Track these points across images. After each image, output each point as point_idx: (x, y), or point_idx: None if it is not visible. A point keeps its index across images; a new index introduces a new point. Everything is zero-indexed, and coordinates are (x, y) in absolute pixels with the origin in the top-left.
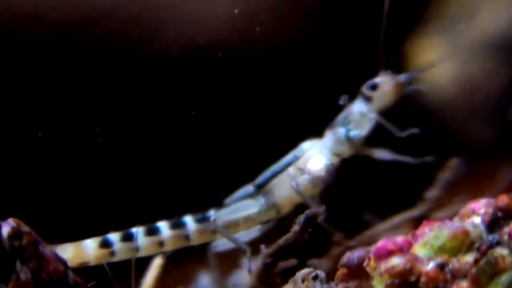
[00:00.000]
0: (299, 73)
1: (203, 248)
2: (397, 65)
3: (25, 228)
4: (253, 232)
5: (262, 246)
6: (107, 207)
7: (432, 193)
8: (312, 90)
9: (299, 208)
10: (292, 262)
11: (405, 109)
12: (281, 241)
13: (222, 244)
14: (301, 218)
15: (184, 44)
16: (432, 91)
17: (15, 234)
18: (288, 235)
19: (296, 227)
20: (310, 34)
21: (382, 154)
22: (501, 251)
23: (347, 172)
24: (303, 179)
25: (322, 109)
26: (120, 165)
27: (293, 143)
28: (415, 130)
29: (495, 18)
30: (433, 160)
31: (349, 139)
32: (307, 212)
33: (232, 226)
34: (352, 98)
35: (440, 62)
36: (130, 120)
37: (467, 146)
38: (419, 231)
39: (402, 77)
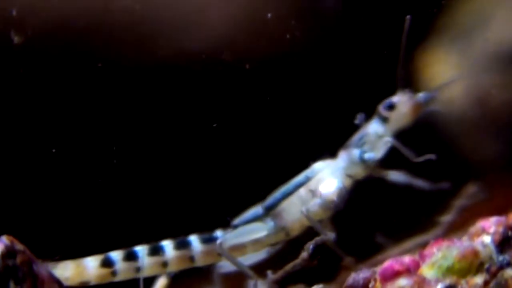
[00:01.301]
0: (313, 89)
1: (208, 268)
2: (407, 79)
3: (19, 246)
4: (261, 254)
5: (269, 272)
6: (110, 223)
7: (447, 218)
8: (327, 107)
9: (309, 230)
10: None
11: (417, 127)
12: (289, 267)
13: (228, 265)
14: (310, 246)
15: (192, 59)
16: (444, 108)
17: (9, 252)
18: (296, 262)
19: (305, 254)
20: (324, 47)
21: (396, 177)
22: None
23: (360, 194)
24: (314, 204)
25: (336, 128)
26: (125, 180)
27: (305, 163)
28: (431, 156)
29: (509, 27)
30: (449, 187)
31: (363, 161)
32: (317, 239)
33: (239, 248)
34: (368, 116)
35: (457, 79)
36: (135, 133)
37: (481, 166)
38: (427, 251)
39: (421, 97)
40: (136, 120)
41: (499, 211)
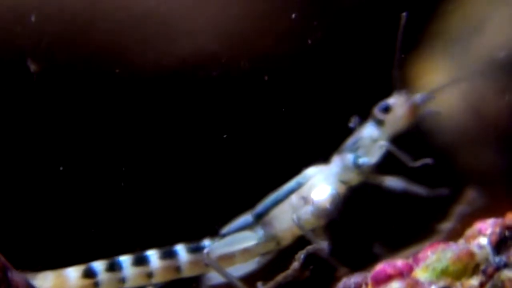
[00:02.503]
0: (305, 91)
1: (196, 280)
2: (403, 80)
3: None
4: (251, 264)
5: (259, 284)
6: (92, 232)
7: (446, 226)
8: (319, 110)
9: (301, 239)
10: None
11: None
12: (280, 278)
13: (216, 276)
14: (301, 255)
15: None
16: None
17: None
18: (288, 273)
19: (296, 264)
20: (315, 50)
21: (393, 183)
22: (509, 273)
23: (355, 201)
24: (306, 212)
25: (329, 132)
26: (108, 187)
27: (297, 169)
28: (428, 161)
29: (504, 32)
30: (448, 192)
31: (357, 167)
32: (308, 248)
33: (227, 258)
34: (363, 119)
35: (456, 81)
36: (122, 142)
37: (477, 174)
38: (421, 254)
39: (417, 98)
40: (120, 129)
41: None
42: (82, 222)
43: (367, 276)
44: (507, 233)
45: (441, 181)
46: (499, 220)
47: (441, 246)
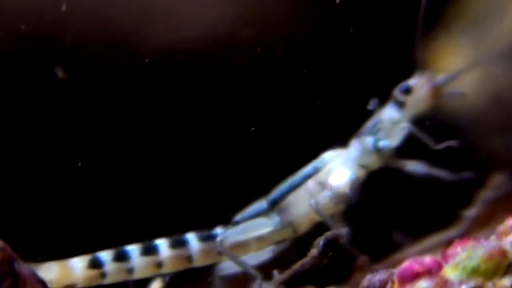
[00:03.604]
0: (322, 72)
1: (208, 271)
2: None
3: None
4: (265, 253)
5: (275, 272)
6: (99, 220)
7: (471, 212)
8: (337, 92)
9: (319, 226)
10: None
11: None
12: (297, 266)
13: (229, 267)
14: (320, 241)
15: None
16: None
17: None
18: (305, 260)
19: (314, 251)
20: (331, 30)
21: (415, 167)
22: None
23: (375, 186)
24: (324, 197)
25: (348, 115)
26: (115, 171)
27: (314, 153)
28: (452, 143)
29: None
30: (473, 176)
31: (377, 150)
32: (328, 234)
33: (241, 246)
34: (382, 102)
35: (478, 63)
36: (128, 127)
37: (496, 160)
38: (450, 251)
39: (440, 79)
40: (123, 113)
41: None
42: (90, 211)
43: (393, 273)
44: None
45: (460, 168)
46: None
47: (471, 243)
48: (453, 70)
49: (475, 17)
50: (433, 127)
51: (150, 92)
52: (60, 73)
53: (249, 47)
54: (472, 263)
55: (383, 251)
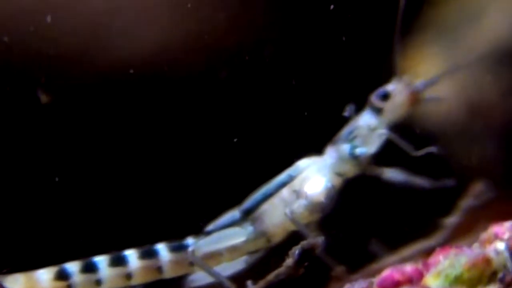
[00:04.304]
0: (296, 78)
1: (178, 282)
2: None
3: None
4: (239, 263)
5: (249, 283)
6: (66, 231)
7: (451, 220)
8: (312, 98)
9: (293, 236)
10: None
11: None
12: (272, 276)
13: (201, 278)
14: (295, 251)
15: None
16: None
17: None
18: (280, 270)
19: (289, 261)
20: (306, 34)
21: (393, 174)
22: None
23: (351, 194)
24: (299, 206)
25: (323, 122)
26: (81, 182)
27: (288, 161)
28: (433, 149)
29: (501, 23)
30: (453, 184)
31: (354, 157)
32: (303, 243)
33: (214, 256)
34: (359, 108)
35: (457, 68)
36: (101, 138)
37: (471, 168)
38: (432, 259)
39: (419, 84)
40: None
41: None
42: (57, 222)
43: (373, 282)
44: None
45: (436, 175)
46: None
47: (453, 251)
48: (430, 75)
49: (451, 24)
50: (410, 135)
51: (108, 109)
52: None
53: (219, 57)
54: (455, 272)
55: (360, 261)
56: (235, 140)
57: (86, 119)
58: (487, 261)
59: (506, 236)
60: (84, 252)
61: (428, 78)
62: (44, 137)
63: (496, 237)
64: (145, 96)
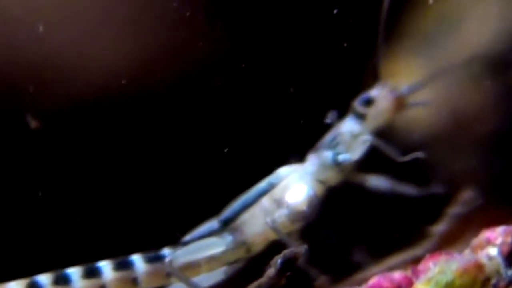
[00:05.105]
0: (276, 84)
1: None
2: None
3: None
4: (217, 274)
5: None
6: (38, 242)
7: (438, 229)
8: (293, 105)
9: (273, 245)
10: None
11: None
12: (253, 287)
13: None
14: (277, 260)
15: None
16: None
17: None
18: (262, 280)
19: (271, 271)
20: (287, 41)
21: (378, 182)
22: None
23: (334, 203)
24: (280, 215)
25: (304, 128)
26: (56, 192)
27: (269, 168)
28: (419, 154)
29: (481, 30)
30: (442, 191)
31: (337, 164)
32: (285, 252)
33: (192, 267)
34: (341, 115)
35: (441, 74)
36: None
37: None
38: (422, 266)
39: (403, 90)
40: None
41: (499, 221)
42: (31, 232)
43: None
44: None
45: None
46: (510, 228)
47: (444, 257)
48: (416, 81)
49: (431, 33)
50: (393, 143)
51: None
52: None
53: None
54: (445, 278)
55: (344, 270)
56: (212, 148)
57: (61, 140)
58: (479, 267)
59: (498, 241)
60: (59, 263)
61: (412, 83)
62: (18, 152)
63: (488, 242)
64: (114, 116)
